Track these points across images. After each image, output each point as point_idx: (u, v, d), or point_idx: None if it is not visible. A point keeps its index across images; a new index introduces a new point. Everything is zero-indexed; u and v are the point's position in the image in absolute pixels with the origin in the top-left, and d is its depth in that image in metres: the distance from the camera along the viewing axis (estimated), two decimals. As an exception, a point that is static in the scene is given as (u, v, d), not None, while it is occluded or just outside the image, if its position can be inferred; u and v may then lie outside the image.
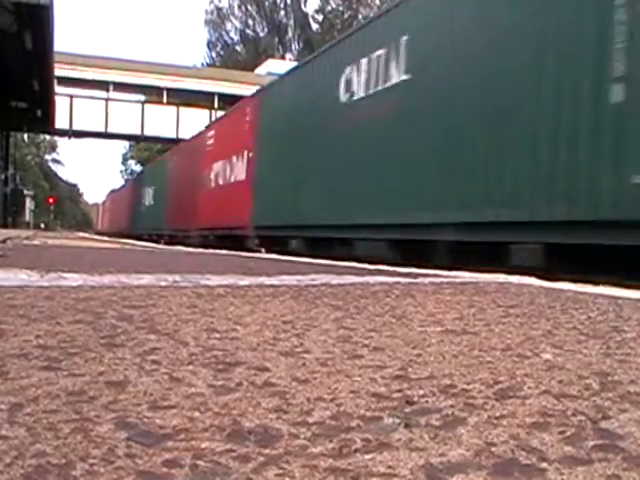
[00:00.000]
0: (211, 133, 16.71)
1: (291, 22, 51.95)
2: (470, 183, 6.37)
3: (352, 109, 8.89)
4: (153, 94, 34.08)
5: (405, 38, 7.65)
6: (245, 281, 3.34)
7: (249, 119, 13.01)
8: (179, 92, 33.68)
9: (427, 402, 1.05)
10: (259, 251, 11.47)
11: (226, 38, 54.33)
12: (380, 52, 8.21)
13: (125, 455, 0.77)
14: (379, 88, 8.23)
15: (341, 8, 50.41)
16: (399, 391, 1.12)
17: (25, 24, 13.96)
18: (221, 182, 14.79)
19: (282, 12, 52.04)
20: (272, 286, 3.13)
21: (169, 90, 33.55)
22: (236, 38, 53.89)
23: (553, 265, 5.69)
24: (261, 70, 36.80)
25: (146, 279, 3.29)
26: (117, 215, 38.00)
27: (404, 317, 2.10)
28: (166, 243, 19.15)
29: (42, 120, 24.41)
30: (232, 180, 13.79)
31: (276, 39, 51.93)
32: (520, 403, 1.06)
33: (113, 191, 46.51)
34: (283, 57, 47.61)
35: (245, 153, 12.97)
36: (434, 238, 7.16)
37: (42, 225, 60.22)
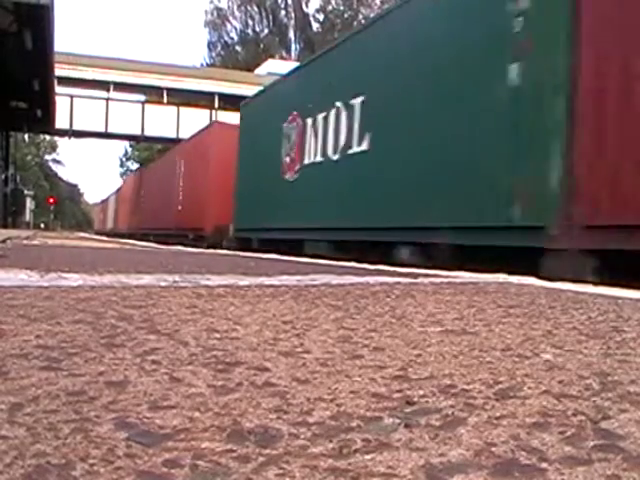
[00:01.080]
0: None
1: (292, 22, 51.99)
2: None
3: None
4: (153, 94, 34.05)
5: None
6: (245, 281, 3.34)
7: None
8: (179, 92, 33.67)
9: (427, 402, 1.05)
10: None
11: (226, 38, 54.41)
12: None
13: (125, 455, 0.77)
14: None
15: (342, 8, 50.43)
16: (399, 391, 1.12)
17: (25, 24, 13.95)
18: None
19: (283, 12, 52.07)
20: (272, 286, 3.13)
21: (169, 90, 33.53)
22: (236, 38, 53.96)
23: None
24: (261, 70, 36.79)
25: (146, 279, 3.29)
26: (156, 206, 22.36)
27: (404, 317, 2.10)
28: None
29: (42, 120, 24.39)
30: None
31: (277, 39, 51.94)
32: (520, 403, 1.06)
33: (140, 169, 32.64)
34: (283, 57, 47.61)
35: None
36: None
37: (42, 225, 60.23)
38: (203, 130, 17.62)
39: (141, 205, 26.78)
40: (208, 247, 13.26)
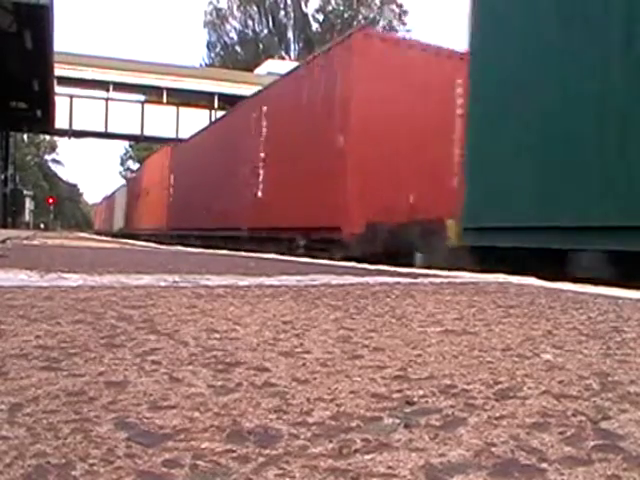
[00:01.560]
0: None
1: (291, 22, 51.99)
2: None
3: None
4: (153, 94, 34.09)
5: None
6: (245, 281, 3.34)
7: None
8: (179, 92, 33.71)
9: (427, 402, 1.05)
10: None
11: (226, 39, 54.42)
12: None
13: (125, 455, 0.77)
14: None
15: (341, 8, 50.42)
16: (399, 391, 1.12)
17: (25, 24, 13.96)
18: None
19: (282, 12, 52.07)
20: (272, 286, 3.13)
21: (169, 90, 33.57)
22: (235, 38, 53.96)
23: None
24: (261, 70, 36.82)
25: (146, 279, 3.29)
26: (200, 195, 16.32)
27: (404, 317, 2.10)
28: None
29: (42, 120, 24.40)
30: None
31: (276, 39, 51.95)
32: (520, 403, 1.06)
33: (167, 149, 22.46)
34: (283, 57, 47.62)
35: None
36: None
37: (42, 225, 60.21)
38: (327, 52, 9.86)
39: (172, 197, 20.10)
40: (352, 259, 7.02)
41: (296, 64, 14.03)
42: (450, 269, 5.40)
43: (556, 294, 3.11)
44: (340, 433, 0.88)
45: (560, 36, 5.37)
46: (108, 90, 33.01)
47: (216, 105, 32.92)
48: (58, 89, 24.40)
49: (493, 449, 0.83)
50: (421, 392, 1.12)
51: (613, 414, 1.01)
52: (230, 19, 53.61)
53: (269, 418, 0.94)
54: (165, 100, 33.67)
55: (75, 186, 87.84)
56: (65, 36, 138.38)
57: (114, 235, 30.72)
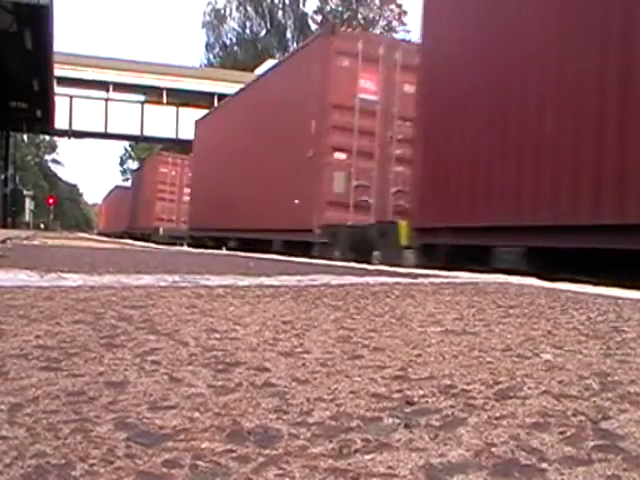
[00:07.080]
0: None
1: (290, 22, 51.97)
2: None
3: None
4: (153, 94, 34.09)
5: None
6: (245, 281, 3.34)
7: None
8: (179, 92, 33.72)
9: (427, 402, 1.05)
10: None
11: (225, 39, 54.38)
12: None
13: (125, 455, 0.77)
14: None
15: (340, 8, 50.41)
16: (399, 391, 1.12)
17: (25, 24, 13.97)
18: None
19: (281, 12, 52.06)
20: (272, 286, 3.13)
21: (169, 90, 33.60)
22: (234, 39, 53.92)
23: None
24: (261, 70, 36.81)
25: (146, 279, 3.29)
26: None
27: (404, 317, 2.10)
28: None
29: (42, 120, 24.41)
30: None
31: (275, 39, 51.92)
32: (520, 403, 1.06)
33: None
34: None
35: None
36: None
37: (42, 225, 60.14)
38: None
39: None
40: None
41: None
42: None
43: (556, 294, 3.11)
44: (340, 433, 0.88)
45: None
46: (108, 90, 33.04)
47: (216, 105, 32.92)
48: (58, 89, 24.42)
49: (493, 449, 0.83)
50: (421, 392, 1.12)
51: (613, 414, 1.01)
52: (229, 20, 53.59)
53: (269, 418, 0.94)
54: (165, 100, 33.68)
55: (75, 186, 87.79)
56: (65, 36, 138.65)
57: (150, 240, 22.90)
